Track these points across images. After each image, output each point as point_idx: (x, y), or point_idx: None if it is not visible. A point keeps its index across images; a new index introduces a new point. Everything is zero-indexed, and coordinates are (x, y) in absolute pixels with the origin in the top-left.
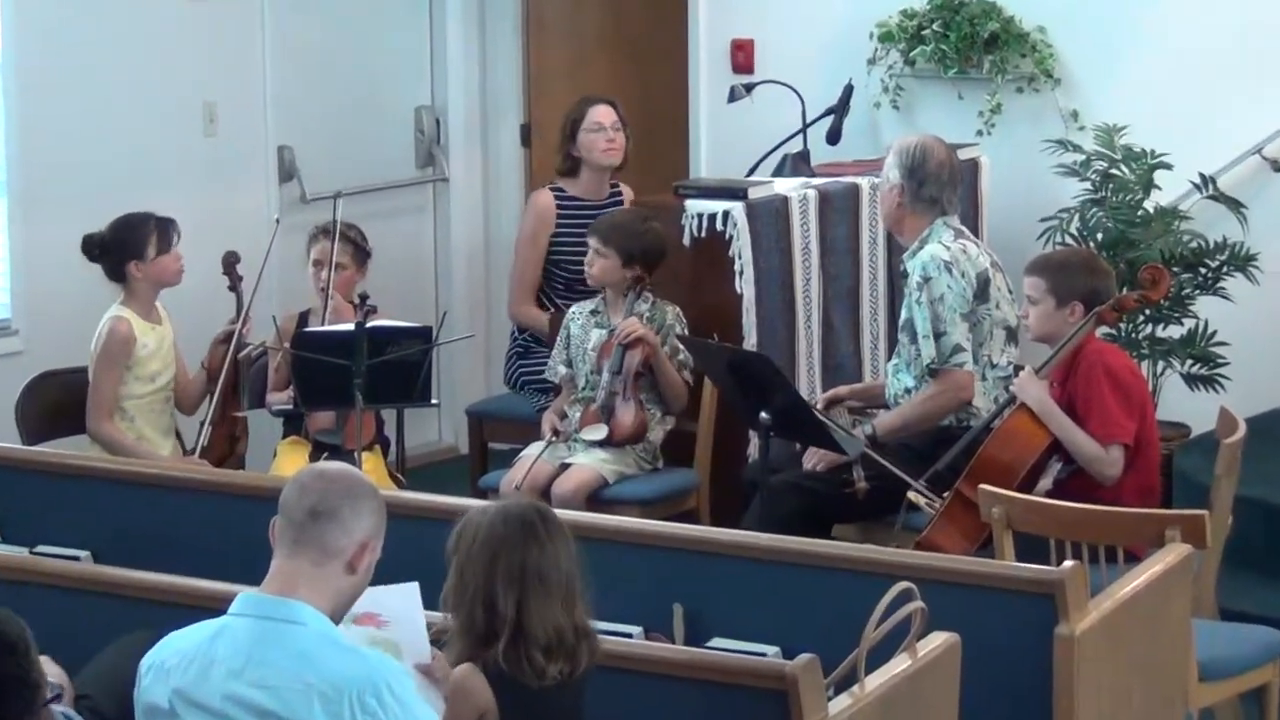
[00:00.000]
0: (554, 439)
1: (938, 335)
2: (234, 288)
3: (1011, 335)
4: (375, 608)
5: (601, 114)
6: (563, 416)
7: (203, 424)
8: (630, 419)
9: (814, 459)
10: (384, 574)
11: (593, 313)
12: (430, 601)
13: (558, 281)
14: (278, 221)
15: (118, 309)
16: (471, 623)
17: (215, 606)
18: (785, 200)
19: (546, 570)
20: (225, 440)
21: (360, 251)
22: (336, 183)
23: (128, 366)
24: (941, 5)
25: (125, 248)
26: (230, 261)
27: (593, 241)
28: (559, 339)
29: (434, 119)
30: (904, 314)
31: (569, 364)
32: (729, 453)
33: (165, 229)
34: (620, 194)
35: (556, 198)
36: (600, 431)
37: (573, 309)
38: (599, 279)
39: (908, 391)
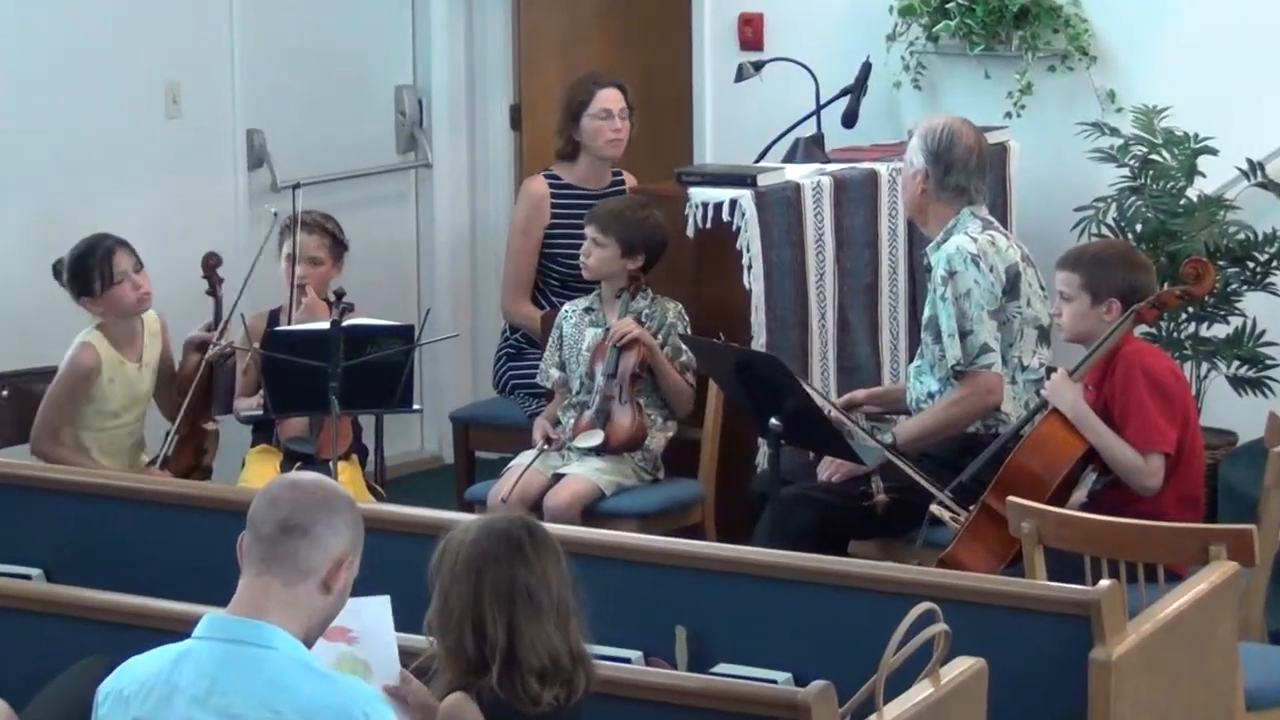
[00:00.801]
0: (546, 447)
1: (964, 334)
2: (213, 292)
3: (1044, 335)
4: (346, 621)
5: (610, 99)
6: (556, 423)
7: (168, 434)
8: (627, 424)
9: (830, 469)
10: (363, 594)
11: (587, 310)
12: (413, 624)
13: (553, 276)
14: (275, 215)
15: (89, 333)
16: (461, 649)
17: (178, 629)
18: (797, 188)
19: (536, 589)
20: (192, 453)
21: (337, 244)
22: (310, 169)
23: (89, 398)
24: None
25: (73, 286)
26: (211, 264)
27: (590, 230)
28: (551, 340)
29: (416, 99)
30: (927, 311)
31: (562, 367)
32: (736, 462)
33: (108, 259)
34: (623, 182)
35: (551, 185)
36: (595, 438)
37: (565, 307)
38: (596, 271)
39: (931, 396)
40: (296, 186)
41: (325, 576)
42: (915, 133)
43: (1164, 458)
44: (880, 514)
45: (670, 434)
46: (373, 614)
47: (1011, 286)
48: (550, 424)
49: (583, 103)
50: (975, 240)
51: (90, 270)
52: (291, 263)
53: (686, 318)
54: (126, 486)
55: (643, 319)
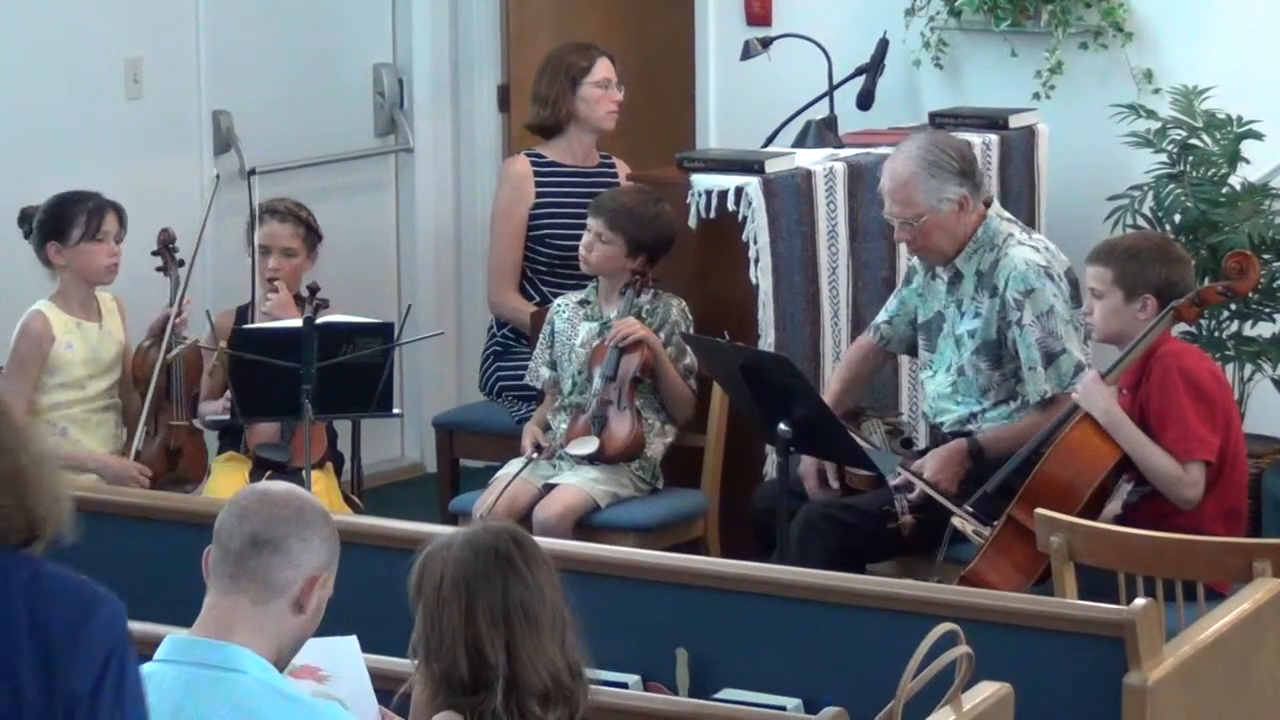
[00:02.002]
0: (536, 456)
1: (1053, 355)
2: (167, 270)
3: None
4: (315, 660)
5: (606, 69)
6: (546, 429)
7: (133, 434)
8: (625, 433)
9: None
10: (339, 613)
11: (581, 303)
12: (393, 645)
13: (539, 262)
14: (218, 178)
15: (41, 303)
16: (455, 674)
17: (139, 651)
18: (808, 175)
19: (532, 605)
20: (162, 455)
21: (311, 234)
22: (281, 154)
23: (47, 371)
24: None
25: (46, 226)
26: (166, 241)
27: (595, 223)
28: (542, 336)
29: (396, 78)
30: (975, 328)
31: (553, 365)
32: (742, 471)
33: (99, 213)
34: (613, 165)
35: (534, 164)
36: (590, 445)
37: (558, 301)
38: (597, 267)
39: (973, 416)
40: (252, 173)
41: (298, 595)
42: (911, 181)
43: (1204, 467)
44: (906, 536)
45: (669, 439)
46: (343, 653)
47: (1075, 292)
48: (540, 429)
49: (584, 69)
50: (1036, 249)
51: (74, 216)
52: (270, 254)
53: (690, 316)
54: (81, 497)
55: (643, 316)
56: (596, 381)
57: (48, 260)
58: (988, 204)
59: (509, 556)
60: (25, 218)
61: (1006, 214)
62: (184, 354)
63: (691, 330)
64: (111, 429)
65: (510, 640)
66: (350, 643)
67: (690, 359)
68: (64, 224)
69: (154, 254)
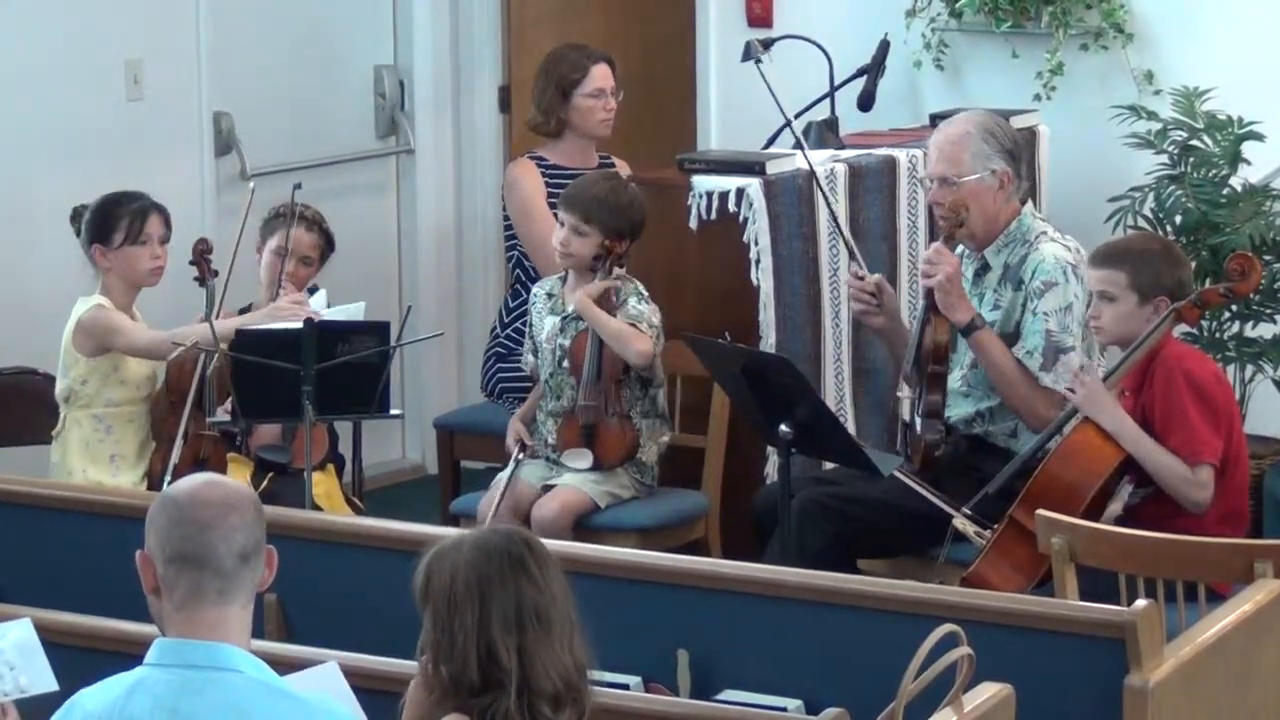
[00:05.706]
0: (521, 457)
1: (1061, 351)
2: (204, 281)
3: None
4: None
5: (602, 76)
6: (531, 420)
7: (171, 442)
8: (618, 439)
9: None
10: (341, 614)
11: (548, 295)
12: (395, 646)
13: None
14: (253, 191)
15: (96, 298)
16: (465, 676)
17: (131, 651)
18: (810, 176)
19: (545, 608)
20: (189, 463)
21: (328, 248)
22: (282, 155)
23: (112, 366)
24: None
25: (91, 228)
26: (202, 250)
27: (570, 217)
28: (526, 323)
29: (397, 80)
30: (996, 320)
31: (537, 352)
32: (743, 473)
33: (142, 215)
34: (612, 165)
35: (540, 167)
36: (585, 459)
37: (535, 288)
38: (578, 260)
39: (981, 415)
40: (297, 186)
41: (265, 576)
42: (967, 136)
43: (1212, 469)
44: (899, 530)
45: (665, 439)
46: (325, 683)
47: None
48: (524, 426)
49: (575, 80)
50: (1068, 249)
51: (118, 218)
52: (277, 257)
53: (645, 293)
54: (73, 496)
55: (615, 297)
56: (583, 385)
57: (95, 261)
58: (1023, 202)
59: (521, 559)
60: (76, 216)
61: (1040, 214)
62: (218, 365)
63: (650, 307)
64: (146, 434)
65: (523, 644)
66: (331, 669)
67: (658, 319)
68: (107, 227)
69: (190, 263)
